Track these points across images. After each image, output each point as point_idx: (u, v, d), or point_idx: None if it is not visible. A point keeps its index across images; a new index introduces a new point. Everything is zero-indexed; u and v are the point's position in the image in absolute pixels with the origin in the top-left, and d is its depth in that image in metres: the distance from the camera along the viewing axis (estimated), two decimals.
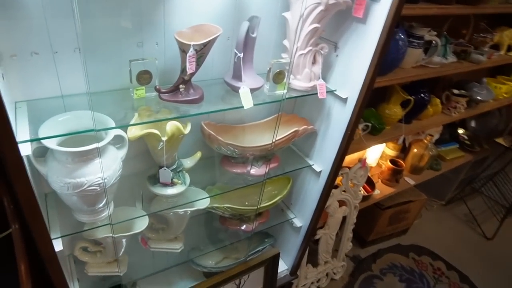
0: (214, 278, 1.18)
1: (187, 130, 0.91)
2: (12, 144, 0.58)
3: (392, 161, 1.93)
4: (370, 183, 1.89)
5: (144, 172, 1.03)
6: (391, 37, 0.92)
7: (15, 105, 0.78)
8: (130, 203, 1.03)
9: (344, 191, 1.59)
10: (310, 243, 1.73)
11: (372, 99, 1.63)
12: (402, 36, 1.24)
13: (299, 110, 1.28)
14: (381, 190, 1.91)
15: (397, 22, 1.19)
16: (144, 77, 0.86)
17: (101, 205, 0.85)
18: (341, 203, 1.64)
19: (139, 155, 1.03)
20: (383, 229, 2.17)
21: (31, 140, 0.68)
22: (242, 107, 0.89)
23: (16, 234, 0.74)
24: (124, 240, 1.00)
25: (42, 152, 0.78)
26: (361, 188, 1.86)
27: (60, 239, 0.81)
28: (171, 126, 0.86)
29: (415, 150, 2.04)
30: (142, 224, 0.98)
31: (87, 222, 0.86)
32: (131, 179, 1.03)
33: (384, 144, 1.95)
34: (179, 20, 0.89)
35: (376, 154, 1.92)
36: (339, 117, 1.11)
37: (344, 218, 1.73)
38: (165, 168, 0.92)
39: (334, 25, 1.04)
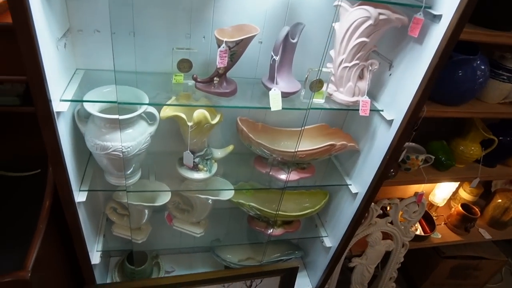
0: (225, 271, 1.19)
1: (214, 120, 0.95)
2: (44, 100, 0.69)
3: (465, 206, 1.69)
4: (430, 223, 1.69)
5: (179, 154, 1.11)
6: (444, 61, 0.82)
7: (75, 71, 0.92)
8: (159, 178, 1.11)
9: (390, 223, 1.46)
10: (345, 270, 1.63)
11: (446, 131, 1.47)
12: (482, 66, 1.09)
13: (348, 126, 1.22)
14: (443, 235, 1.69)
15: (477, 49, 1.06)
16: (184, 65, 0.92)
17: (128, 172, 0.95)
18: (387, 235, 1.50)
19: (177, 136, 1.10)
20: (441, 281, 1.91)
21: (70, 101, 0.79)
22: (269, 108, 0.89)
23: (50, 176, 0.88)
24: (146, 210, 1.09)
25: (88, 114, 0.90)
26: (416, 225, 1.68)
27: (86, 192, 0.93)
28: (198, 113, 0.91)
29: (499, 200, 1.76)
30: (164, 198, 1.06)
31: (114, 184, 0.97)
32: (167, 156, 1.11)
33: (457, 184, 1.72)
34: (227, 19, 0.94)
35: (446, 193, 1.71)
36: (382, 139, 1.03)
37: (389, 254, 1.58)
38: (188, 152, 0.97)
39: (392, 42, 0.97)
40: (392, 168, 1.27)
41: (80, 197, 0.90)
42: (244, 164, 1.23)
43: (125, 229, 1.15)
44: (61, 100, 0.78)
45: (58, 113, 0.76)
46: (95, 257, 1.09)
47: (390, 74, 0.99)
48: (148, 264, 1.27)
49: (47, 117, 0.71)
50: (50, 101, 0.71)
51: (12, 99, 0.89)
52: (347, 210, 1.22)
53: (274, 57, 0.89)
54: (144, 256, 1.29)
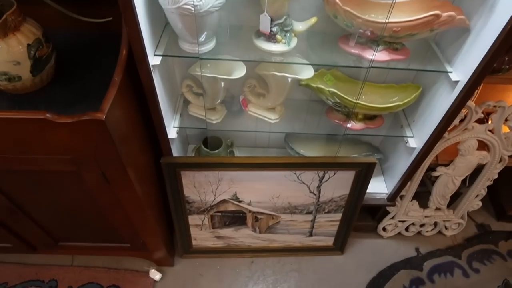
0: (298, 158, 1.15)
1: None
2: None
3: None
4: None
5: (255, 27, 1.02)
6: None
7: None
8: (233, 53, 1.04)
9: (490, 130, 1.27)
10: (426, 182, 1.51)
11: None
12: None
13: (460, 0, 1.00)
14: None
15: None
16: None
17: (201, 38, 0.89)
18: (482, 145, 1.32)
19: (255, 6, 1.01)
20: None
21: None
22: None
23: (124, 30, 0.86)
24: (221, 85, 1.06)
25: None
26: None
27: (160, 57, 0.90)
28: None
29: None
30: (239, 73, 1.00)
31: (188, 50, 0.92)
32: (242, 31, 1.03)
33: None
34: None
35: None
36: (501, 14, 0.82)
37: (481, 168, 1.41)
38: (266, 14, 0.88)
39: None
40: (507, 56, 1.05)
41: (154, 60, 0.88)
42: (328, 44, 1.10)
43: (200, 109, 1.15)
44: None
45: None
46: (172, 132, 1.12)
47: None
48: (223, 149, 1.29)
49: None
50: None
51: None
52: (441, 103, 1.06)
53: None
54: (219, 141, 1.30)
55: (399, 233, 1.64)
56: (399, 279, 1.53)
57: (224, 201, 1.27)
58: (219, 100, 1.12)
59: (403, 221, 1.57)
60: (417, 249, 1.63)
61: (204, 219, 1.34)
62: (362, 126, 1.20)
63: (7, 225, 1.16)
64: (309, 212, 1.34)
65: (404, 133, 1.24)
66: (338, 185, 1.24)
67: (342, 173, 1.20)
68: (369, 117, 1.22)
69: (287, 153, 1.37)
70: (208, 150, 1.27)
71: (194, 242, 1.46)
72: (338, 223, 1.40)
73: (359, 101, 1.09)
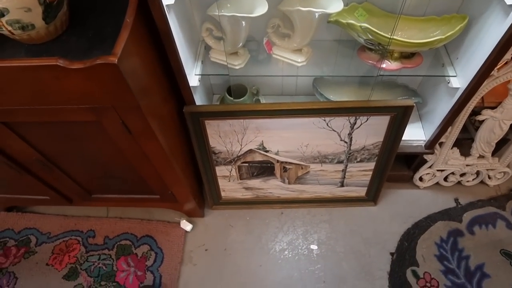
0: (327, 103, 1.08)
1: None
2: None
3: None
4: None
5: None
6: None
7: None
8: None
9: None
10: (469, 126, 1.39)
11: None
12: None
13: None
14: None
15: None
16: None
17: None
18: None
19: None
20: None
21: None
22: None
23: None
24: (242, 28, 0.98)
25: None
26: None
27: None
28: None
29: None
30: (261, 9, 0.92)
31: None
32: None
33: None
34: None
35: None
36: None
37: None
38: None
39: None
40: None
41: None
42: None
43: (222, 54, 1.08)
44: None
45: None
46: (194, 80, 1.07)
47: None
48: (248, 98, 1.23)
49: None
50: None
51: None
52: (490, 36, 0.93)
53: None
54: (243, 89, 1.24)
55: (437, 183, 1.55)
56: (435, 231, 1.47)
57: (250, 151, 1.24)
58: (240, 44, 1.05)
59: (441, 170, 1.48)
60: (456, 200, 1.55)
61: (231, 170, 1.33)
62: (398, 66, 1.09)
63: (42, 178, 1.20)
64: (340, 162, 1.29)
65: (446, 72, 1.12)
66: (371, 131, 1.16)
67: (376, 118, 1.11)
68: (406, 56, 1.11)
69: (316, 100, 1.29)
70: (232, 98, 1.22)
71: (223, 194, 1.46)
72: (371, 172, 1.34)
73: (395, 37, 0.98)
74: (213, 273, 1.38)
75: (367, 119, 1.12)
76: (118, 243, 1.44)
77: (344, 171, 1.33)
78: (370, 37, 1.00)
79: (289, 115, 1.09)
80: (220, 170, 1.33)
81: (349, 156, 1.26)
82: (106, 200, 1.36)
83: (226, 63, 1.08)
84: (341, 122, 1.12)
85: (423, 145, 1.32)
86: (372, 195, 1.47)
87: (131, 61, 0.77)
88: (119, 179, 1.22)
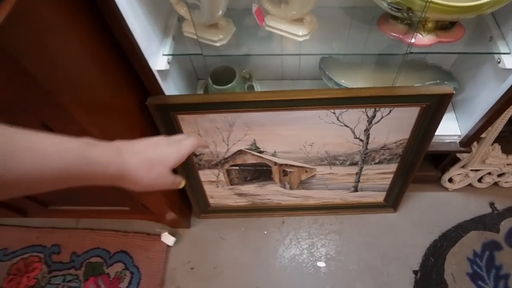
0: (338, 91, 0.81)
1: None
2: None
3: None
4: None
5: None
6: None
7: None
8: None
9: None
10: None
11: None
12: None
13: None
14: None
15: None
16: None
17: None
18: None
19: None
20: None
21: None
22: None
23: None
24: None
25: None
26: None
27: None
28: None
29: None
30: None
31: None
32: None
33: None
34: None
35: None
36: None
37: None
38: None
39: None
40: None
41: None
42: None
43: (198, 28, 0.82)
44: None
45: None
46: (161, 62, 0.81)
47: None
48: (237, 84, 0.97)
49: None
50: None
51: None
52: None
53: None
54: (231, 73, 0.98)
55: (470, 184, 1.29)
56: (467, 243, 1.21)
57: (240, 152, 0.98)
58: (220, 12, 0.78)
59: (476, 170, 1.21)
60: (492, 205, 1.29)
61: (218, 174, 1.08)
62: (433, 40, 0.82)
63: None
64: (353, 163, 1.03)
65: (495, 49, 0.84)
66: (394, 127, 0.90)
67: (401, 110, 0.85)
68: (443, 26, 0.83)
69: (323, 85, 1.03)
70: (217, 86, 0.96)
71: (211, 201, 1.21)
72: (391, 176, 1.08)
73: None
74: None
75: (390, 111, 0.85)
76: (87, 260, 1.21)
77: (358, 174, 1.08)
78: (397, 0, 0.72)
79: (287, 107, 0.83)
80: (205, 175, 1.08)
81: (365, 157, 1.00)
82: (67, 212, 1.12)
83: (205, 40, 0.82)
84: (355, 116, 0.86)
85: (457, 141, 1.05)
86: (392, 201, 1.22)
87: (35, 35, 0.51)
88: (75, 191, 0.98)
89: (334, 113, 0.85)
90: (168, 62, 0.82)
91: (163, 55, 0.82)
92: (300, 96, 0.80)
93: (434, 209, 1.28)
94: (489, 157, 1.15)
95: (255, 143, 0.95)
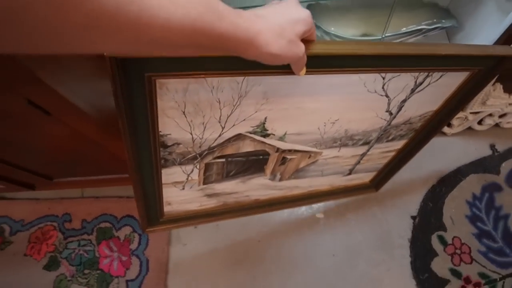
0: (384, 45, 0.58)
1: None
2: None
3: None
4: None
5: None
6: None
7: None
8: None
9: None
10: None
11: None
12: None
13: None
14: None
15: None
16: None
17: None
18: None
19: None
20: None
21: None
22: None
23: None
24: None
25: None
26: None
27: None
28: None
29: None
30: None
31: None
32: None
33: None
34: None
35: None
36: None
37: None
38: None
39: None
40: None
41: None
42: None
43: None
44: None
45: None
46: None
47: None
48: None
49: None
50: None
51: None
52: None
53: None
54: None
55: (469, 127, 1.27)
56: (467, 187, 1.22)
57: (238, 137, 0.71)
58: None
59: (476, 113, 1.19)
60: (492, 147, 1.27)
61: (191, 171, 0.78)
62: None
63: None
64: (366, 143, 0.87)
65: None
66: (430, 96, 0.75)
67: (451, 75, 0.69)
68: None
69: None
70: None
71: (167, 208, 0.93)
72: (393, 153, 0.96)
73: None
74: (207, 252, 1.21)
75: (440, 77, 0.68)
76: (97, 226, 1.27)
77: (363, 155, 0.93)
78: None
79: (341, 68, 0.59)
80: (170, 174, 0.76)
81: (382, 134, 0.85)
82: (71, 183, 1.16)
83: None
84: (403, 82, 0.67)
85: None
86: (378, 181, 1.13)
87: None
88: (82, 161, 1.01)
89: (384, 78, 0.65)
90: None
91: None
92: (367, 51, 0.55)
93: (432, 155, 1.27)
94: (490, 97, 1.11)
95: (263, 124, 0.70)
